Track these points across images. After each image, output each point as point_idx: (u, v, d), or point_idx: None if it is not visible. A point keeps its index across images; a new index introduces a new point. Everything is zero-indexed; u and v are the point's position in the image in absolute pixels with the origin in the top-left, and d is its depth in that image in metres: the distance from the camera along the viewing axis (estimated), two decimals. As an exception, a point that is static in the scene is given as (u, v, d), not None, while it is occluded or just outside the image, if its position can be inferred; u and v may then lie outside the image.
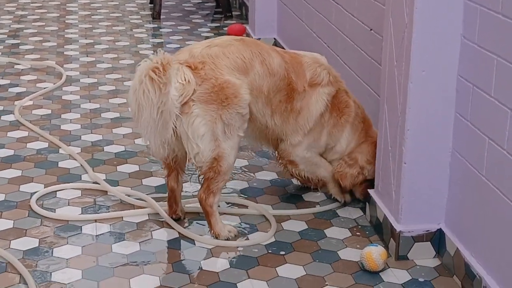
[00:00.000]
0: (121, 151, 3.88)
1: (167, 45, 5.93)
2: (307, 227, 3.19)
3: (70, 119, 4.31)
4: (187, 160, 2.98)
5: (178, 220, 3.18)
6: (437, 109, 2.76)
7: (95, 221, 3.18)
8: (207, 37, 6.09)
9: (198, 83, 2.89)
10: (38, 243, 3.01)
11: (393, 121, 2.89)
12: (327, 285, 2.77)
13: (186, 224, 3.18)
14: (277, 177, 3.64)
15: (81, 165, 3.69)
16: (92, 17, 6.76)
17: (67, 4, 7.23)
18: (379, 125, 3.08)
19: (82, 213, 3.25)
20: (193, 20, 6.72)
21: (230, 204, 3.36)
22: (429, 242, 2.91)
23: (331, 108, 3.21)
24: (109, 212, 3.26)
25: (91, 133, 4.11)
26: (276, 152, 3.32)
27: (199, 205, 3.08)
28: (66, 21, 6.59)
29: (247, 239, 3.08)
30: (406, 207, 2.87)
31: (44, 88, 4.79)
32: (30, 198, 3.35)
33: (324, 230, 3.16)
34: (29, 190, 3.44)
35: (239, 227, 3.16)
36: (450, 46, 2.68)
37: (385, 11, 2.96)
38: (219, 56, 2.95)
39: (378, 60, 3.40)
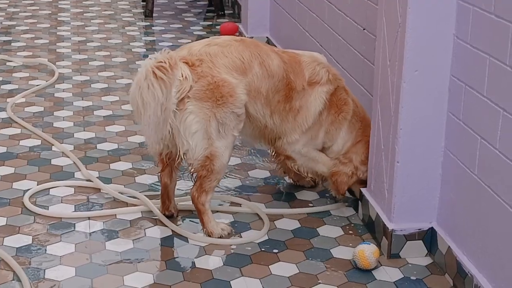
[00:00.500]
0: (114, 149, 3.88)
1: (160, 43, 5.93)
2: (300, 225, 3.20)
3: (63, 117, 4.30)
4: (177, 157, 2.99)
5: (171, 217, 3.19)
6: (430, 108, 2.78)
7: (88, 218, 3.19)
8: (199, 36, 6.10)
9: (195, 80, 2.90)
10: (31, 240, 3.01)
11: (386, 120, 2.91)
12: (320, 283, 2.79)
13: (179, 222, 3.19)
14: (270, 175, 3.65)
15: (74, 162, 3.69)
16: (84, 14, 6.75)
17: (59, 2, 7.21)
18: (372, 124, 3.09)
19: (75, 211, 3.25)
20: (185, 19, 6.72)
21: (223, 202, 3.37)
22: (421, 241, 2.93)
23: (329, 106, 3.22)
24: (102, 209, 3.26)
25: (84, 130, 4.11)
26: (273, 149, 3.31)
27: (192, 203, 3.09)
28: (58, 19, 6.58)
29: (240, 237, 3.09)
30: (398, 206, 2.89)
31: (37, 85, 4.78)
32: (23, 195, 3.34)
33: (317, 229, 3.18)
34: (22, 187, 3.44)
35: (233, 225, 3.17)
36: (443, 46, 2.70)
37: (378, 10, 2.98)
38: (217, 55, 2.96)
39: (371, 59, 3.41)
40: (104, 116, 4.32)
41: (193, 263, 2.89)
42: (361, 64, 3.60)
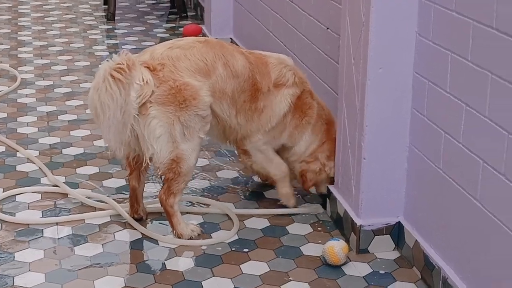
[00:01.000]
0: (80, 153, 3.85)
1: (123, 46, 5.89)
2: (269, 224, 3.23)
3: (27, 122, 4.26)
4: (144, 161, 2.99)
5: (140, 220, 3.18)
6: (394, 105, 2.82)
7: (56, 224, 3.16)
8: (162, 38, 6.09)
9: (156, 84, 2.90)
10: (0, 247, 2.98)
11: (352, 118, 2.95)
12: (290, 280, 2.81)
13: (149, 225, 3.18)
14: (238, 175, 3.67)
15: (40, 168, 3.66)
16: (45, 19, 6.68)
17: (19, 6, 7.12)
18: (338, 122, 3.13)
19: (42, 216, 3.22)
20: (148, 21, 6.69)
21: (192, 203, 3.37)
22: (388, 235, 2.98)
23: (294, 109, 3.23)
24: (70, 214, 3.24)
25: (49, 136, 4.07)
26: (233, 145, 3.30)
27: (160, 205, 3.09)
28: (19, 23, 6.50)
29: (211, 237, 3.09)
30: (365, 202, 2.94)
31: (-1, 91, 4.73)
32: (-11, 202, 3.31)
33: (286, 227, 3.20)
34: (-13, 194, 3.40)
35: (203, 226, 3.18)
36: (406, 44, 2.75)
37: (342, 10, 3.01)
38: (180, 58, 2.96)
39: (335, 58, 3.45)
40: (68, 121, 4.29)
41: (164, 265, 2.89)
42: (325, 63, 3.64)
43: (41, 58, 5.49)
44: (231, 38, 5.58)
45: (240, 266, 2.89)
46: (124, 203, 3.26)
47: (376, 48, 2.74)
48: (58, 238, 3.05)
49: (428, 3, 2.63)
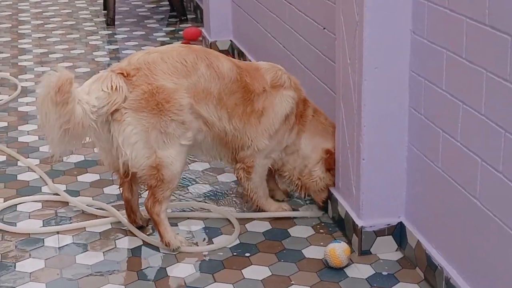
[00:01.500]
0: (81, 161, 3.85)
1: (123, 51, 5.89)
2: (271, 227, 3.21)
3: (27, 131, 4.26)
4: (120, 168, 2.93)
5: (141, 228, 3.17)
6: (392, 104, 2.80)
7: (57, 233, 3.16)
8: (163, 42, 6.08)
9: (130, 90, 2.87)
10: (1, 258, 2.97)
11: (350, 118, 2.93)
12: (292, 284, 2.79)
13: (150, 231, 3.17)
14: (239, 179, 3.65)
15: (41, 176, 3.66)
16: (45, 26, 6.68)
17: (19, 14, 7.13)
18: (336, 122, 3.11)
19: (43, 226, 3.22)
20: (148, 25, 6.69)
21: (192, 209, 3.36)
22: (390, 236, 2.96)
23: (294, 114, 3.19)
24: (71, 223, 3.23)
25: (49, 144, 4.07)
26: (236, 159, 3.19)
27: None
28: (19, 32, 6.51)
29: (212, 243, 3.08)
30: (366, 203, 2.91)
31: (-1, 100, 4.73)
32: (-10, 213, 3.31)
33: (288, 230, 3.19)
34: (-12, 205, 3.40)
35: (204, 231, 3.16)
36: (401, 42, 2.72)
37: (336, 9, 2.99)
38: (156, 62, 2.92)
39: (332, 58, 3.43)
40: (69, 128, 4.28)
41: (165, 271, 2.87)
42: (323, 63, 3.62)
43: (42, 66, 5.49)
44: (230, 40, 5.57)
45: (242, 271, 2.88)
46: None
47: (371, 47, 2.72)
48: (59, 247, 3.05)
49: (421, 1, 2.61)
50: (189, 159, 3.83)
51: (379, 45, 2.72)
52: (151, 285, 2.79)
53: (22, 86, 4.97)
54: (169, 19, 6.89)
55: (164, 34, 6.38)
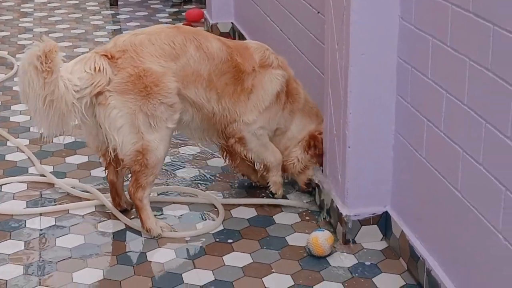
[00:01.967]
0: (70, 142, 3.81)
1: (124, 32, 5.80)
2: (256, 213, 3.16)
3: (20, 111, 4.23)
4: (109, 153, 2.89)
5: (125, 211, 3.13)
6: (378, 92, 2.73)
7: (40, 215, 3.13)
8: (165, 23, 6.01)
9: (115, 72, 2.82)
10: (-19, 239, 2.95)
11: (337, 104, 2.86)
12: (273, 272, 2.75)
13: (134, 216, 3.13)
14: (228, 163, 3.60)
15: (29, 157, 3.63)
16: (48, 4, 6.64)
17: (24, -8, 7.10)
18: (324, 109, 3.05)
19: (27, 207, 3.19)
20: (151, 6, 6.62)
21: (179, 193, 3.32)
22: (375, 225, 2.90)
23: (285, 92, 3.16)
24: (55, 205, 3.20)
25: (41, 124, 4.03)
26: (224, 137, 3.16)
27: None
28: (21, 10, 6.47)
29: (195, 228, 3.04)
30: (352, 191, 2.86)
31: (-5, 79, 4.70)
32: (-25, 193, 3.29)
33: (273, 216, 3.14)
34: (-26, 185, 3.38)
35: (189, 216, 3.12)
36: (388, 28, 2.65)
37: (326, -7, 2.92)
38: (143, 44, 2.86)
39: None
40: (62, 109, 4.24)
41: (145, 256, 2.84)
42: (317, 48, 3.54)
43: (41, 45, 5.44)
44: (232, 23, 5.50)
45: (223, 257, 2.83)
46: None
47: (358, 32, 2.65)
48: (41, 229, 3.02)
49: (408, -14, 2.53)
50: (179, 142, 3.79)
51: (366, 30, 2.65)
52: (129, 269, 2.75)
53: (18, 65, 4.92)
54: (173, 0, 6.82)
55: (167, 15, 6.31)
